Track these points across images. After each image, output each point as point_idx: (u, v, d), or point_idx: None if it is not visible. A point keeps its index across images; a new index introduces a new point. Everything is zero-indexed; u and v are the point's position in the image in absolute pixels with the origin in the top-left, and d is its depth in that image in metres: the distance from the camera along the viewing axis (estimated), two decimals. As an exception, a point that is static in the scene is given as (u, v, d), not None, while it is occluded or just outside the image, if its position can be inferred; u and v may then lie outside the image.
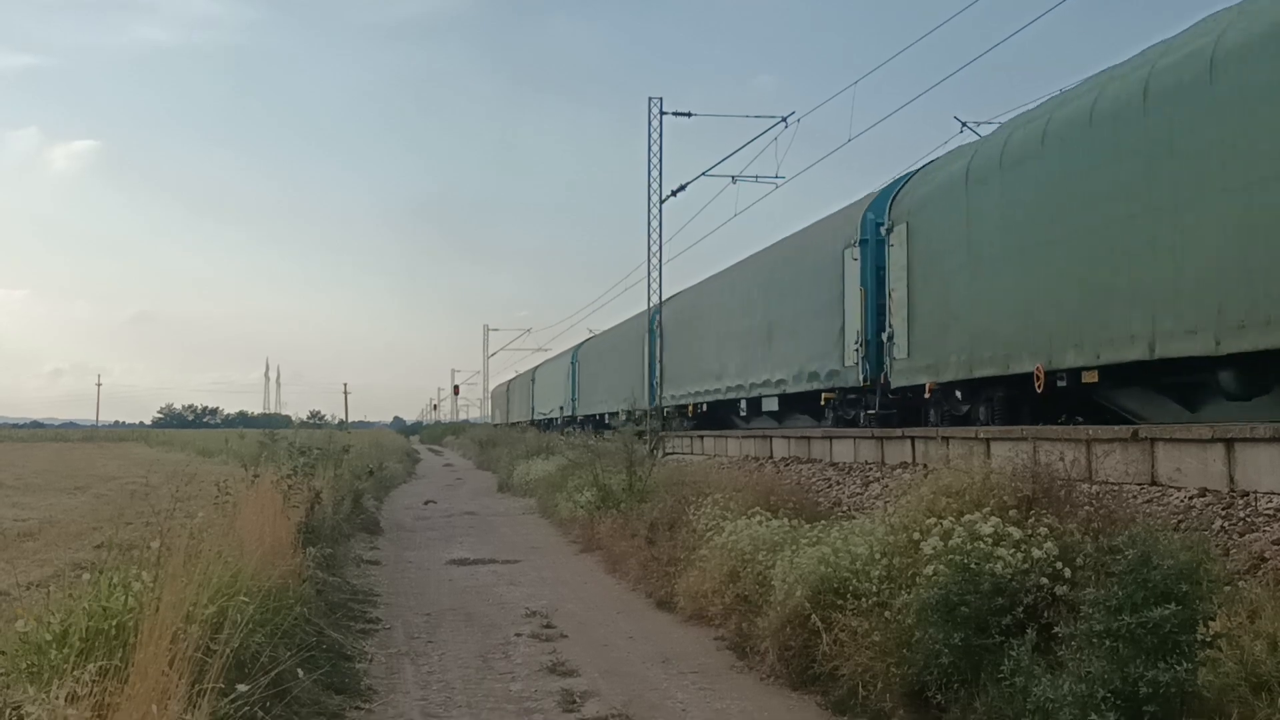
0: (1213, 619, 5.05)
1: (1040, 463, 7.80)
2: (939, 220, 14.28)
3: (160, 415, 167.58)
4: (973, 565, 6.32)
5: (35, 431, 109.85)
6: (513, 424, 65.40)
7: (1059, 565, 6.20)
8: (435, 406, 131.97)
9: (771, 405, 20.80)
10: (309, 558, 9.74)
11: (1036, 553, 6.31)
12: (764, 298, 21.49)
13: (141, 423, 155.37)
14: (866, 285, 16.69)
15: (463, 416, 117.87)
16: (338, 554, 13.43)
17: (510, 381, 77.52)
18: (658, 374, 27.70)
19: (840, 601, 7.25)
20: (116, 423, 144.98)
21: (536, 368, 63.13)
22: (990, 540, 6.48)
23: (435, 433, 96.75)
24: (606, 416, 34.53)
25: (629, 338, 34.50)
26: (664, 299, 27.10)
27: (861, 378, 16.58)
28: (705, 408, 25.68)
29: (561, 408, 48.52)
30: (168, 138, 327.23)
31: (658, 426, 23.70)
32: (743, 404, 22.52)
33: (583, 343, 47.16)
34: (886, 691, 6.58)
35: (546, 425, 50.19)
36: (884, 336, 15.90)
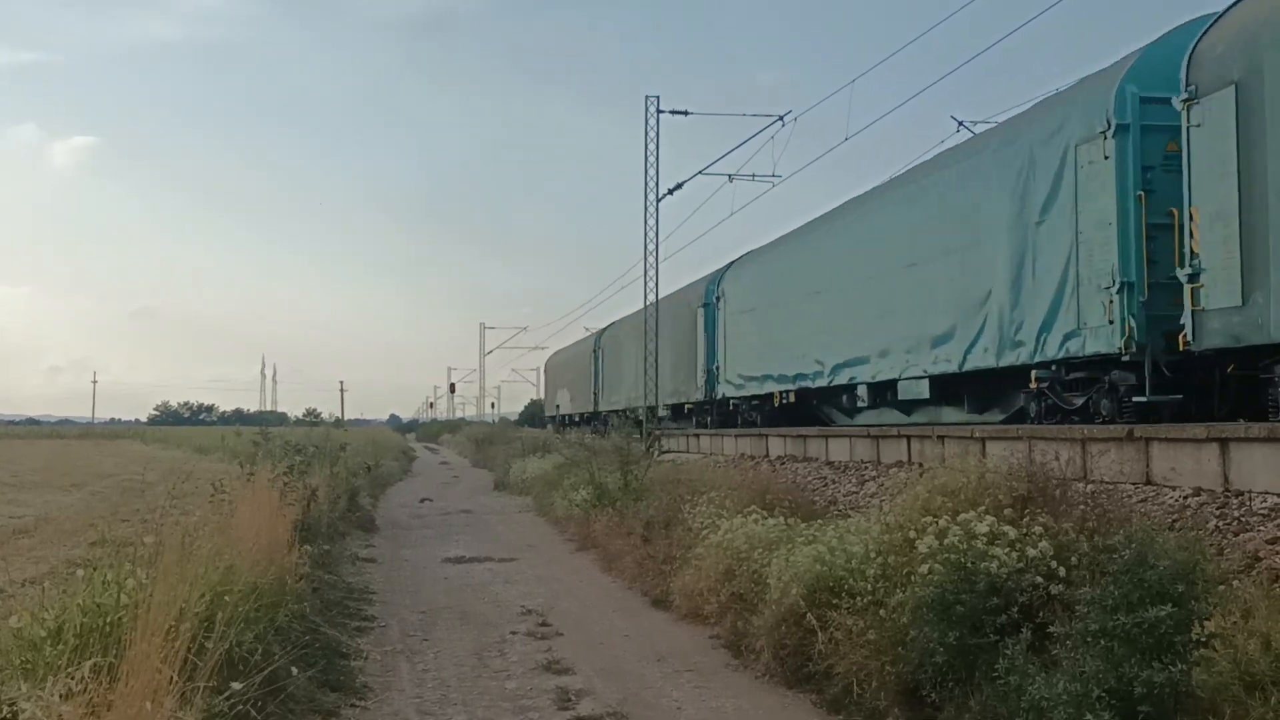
0: (1207, 619, 5.05)
1: (1035, 462, 7.82)
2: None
3: (156, 412, 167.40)
4: (968, 564, 6.32)
5: (31, 428, 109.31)
6: (607, 414, 34.90)
7: (1054, 564, 6.21)
8: (432, 405, 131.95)
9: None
10: (304, 555, 9.72)
11: (1031, 552, 6.31)
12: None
13: (138, 420, 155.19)
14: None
15: (459, 415, 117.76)
16: (333, 551, 13.43)
17: (606, 332, 39.89)
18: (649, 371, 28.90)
19: (835, 600, 7.25)
20: (112, 420, 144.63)
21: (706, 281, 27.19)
22: (985, 539, 6.49)
23: (432, 431, 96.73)
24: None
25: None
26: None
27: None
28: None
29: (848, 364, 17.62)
30: (167, 134, 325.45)
31: (653, 425, 24.28)
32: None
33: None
34: (881, 690, 6.58)
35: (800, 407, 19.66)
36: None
